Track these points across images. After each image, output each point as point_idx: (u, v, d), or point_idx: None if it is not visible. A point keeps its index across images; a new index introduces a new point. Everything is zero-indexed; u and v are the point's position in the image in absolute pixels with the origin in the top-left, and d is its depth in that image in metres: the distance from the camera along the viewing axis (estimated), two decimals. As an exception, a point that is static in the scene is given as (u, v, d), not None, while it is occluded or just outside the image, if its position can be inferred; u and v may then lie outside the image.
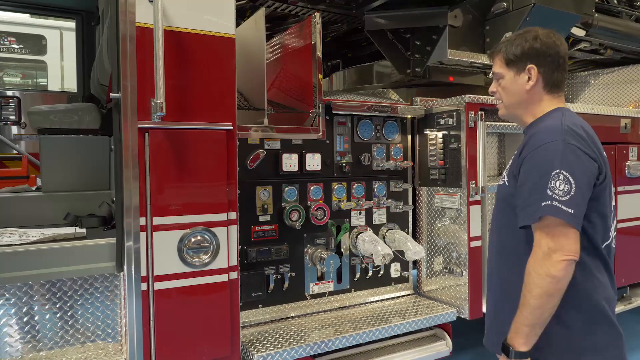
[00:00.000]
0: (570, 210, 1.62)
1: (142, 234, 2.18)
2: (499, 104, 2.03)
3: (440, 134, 3.22)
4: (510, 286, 1.81)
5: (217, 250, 2.32)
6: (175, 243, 2.24)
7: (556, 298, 1.64)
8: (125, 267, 2.20)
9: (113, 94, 2.20)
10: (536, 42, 1.92)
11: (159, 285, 2.21)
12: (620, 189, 3.78)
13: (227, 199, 2.35)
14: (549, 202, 1.62)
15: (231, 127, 2.35)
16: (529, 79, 1.91)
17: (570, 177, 1.64)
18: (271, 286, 2.88)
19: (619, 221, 3.78)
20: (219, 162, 2.32)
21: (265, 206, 2.87)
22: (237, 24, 4.20)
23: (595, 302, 1.76)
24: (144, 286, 2.19)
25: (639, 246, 3.91)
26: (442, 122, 3.20)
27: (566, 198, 1.63)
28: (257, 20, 3.06)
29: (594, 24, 4.10)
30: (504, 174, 1.94)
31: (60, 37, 6.37)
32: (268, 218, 2.88)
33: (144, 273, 2.19)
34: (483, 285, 3.10)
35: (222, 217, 2.33)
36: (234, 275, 2.40)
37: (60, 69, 6.47)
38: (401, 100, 3.49)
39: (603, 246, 1.79)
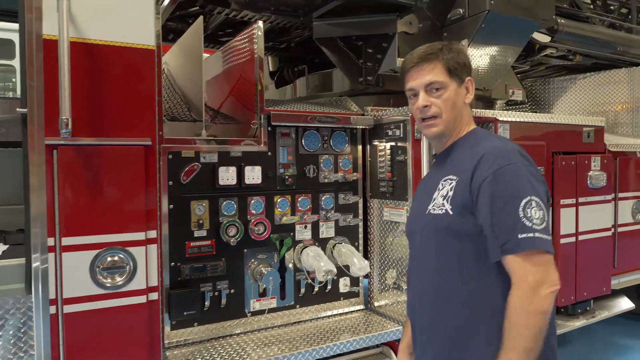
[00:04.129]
0: (548, 238, 1.52)
1: (51, 255, 2.09)
2: (434, 121, 1.75)
3: (388, 145, 3.13)
4: (467, 335, 1.60)
5: (134, 270, 2.23)
6: (87, 264, 2.15)
7: (544, 335, 1.49)
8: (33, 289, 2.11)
9: (20, 109, 2.11)
10: (465, 55, 1.82)
11: (69, 309, 2.12)
12: (581, 200, 3.67)
13: (146, 218, 2.26)
14: (531, 234, 1.48)
15: (150, 143, 2.26)
16: (468, 91, 1.81)
17: (540, 202, 1.53)
18: (207, 303, 2.78)
19: (580, 233, 3.69)
20: (136, 179, 2.23)
21: (201, 221, 2.77)
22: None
23: (552, 343, 1.65)
24: (52, 309, 2.10)
25: (601, 259, 3.80)
26: (390, 133, 3.10)
27: (543, 226, 1.51)
28: (196, 29, 2.96)
29: (559, 29, 4.00)
30: (441, 200, 1.68)
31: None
32: (204, 233, 2.79)
33: (52, 296, 2.10)
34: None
35: (139, 236, 2.24)
36: (154, 296, 2.30)
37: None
38: (357, 109, 3.39)
39: None
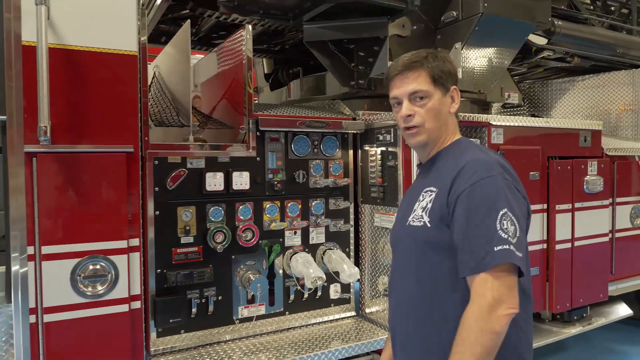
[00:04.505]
0: (520, 254, 1.45)
1: (30, 264, 2.07)
2: (417, 130, 1.70)
3: (379, 150, 3.09)
4: (445, 350, 1.51)
5: (115, 279, 2.21)
6: (67, 273, 2.13)
7: (493, 357, 1.43)
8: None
9: (-1, 116, 2.09)
10: (450, 64, 1.77)
11: (49, 318, 2.10)
12: (578, 205, 3.61)
13: (128, 226, 2.24)
14: (505, 247, 1.42)
15: (132, 150, 2.23)
16: (453, 101, 1.76)
17: (513, 217, 1.47)
18: (194, 310, 2.75)
19: (576, 239, 3.63)
20: (117, 187, 2.21)
21: (188, 227, 2.74)
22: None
23: (522, 358, 1.60)
24: (32, 318, 2.08)
25: (598, 265, 3.75)
26: (381, 137, 3.06)
27: (515, 240, 1.45)
28: (183, 33, 2.94)
29: (556, 31, 3.95)
30: (420, 212, 1.65)
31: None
32: (191, 240, 2.76)
33: (32, 305, 2.08)
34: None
35: (121, 244, 2.22)
36: (137, 304, 2.28)
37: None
38: (350, 113, 3.35)
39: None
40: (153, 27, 3.79)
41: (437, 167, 1.72)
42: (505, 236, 1.44)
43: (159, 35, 4.03)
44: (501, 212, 1.46)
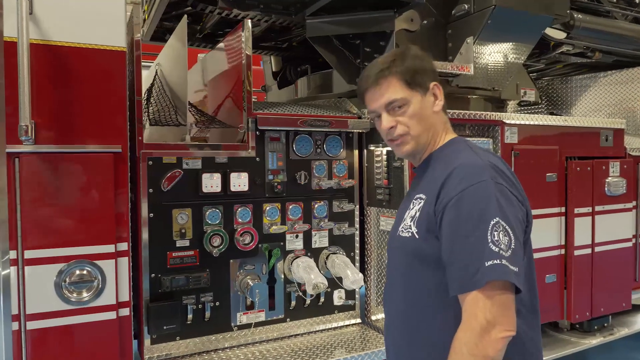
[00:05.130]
0: (515, 269, 1.29)
1: (13, 269, 1.99)
2: (403, 139, 1.57)
3: (384, 150, 2.94)
4: None
5: (102, 285, 2.12)
6: (52, 278, 2.05)
7: None
8: (-5, 304, 2.01)
9: (-19, 115, 2.01)
10: (423, 59, 1.63)
11: (32, 325, 2.02)
12: (598, 208, 3.41)
13: (116, 229, 2.14)
14: (497, 261, 1.27)
15: (120, 150, 2.13)
16: (436, 98, 1.62)
17: (507, 226, 1.32)
18: (190, 317, 2.65)
19: (597, 244, 3.43)
20: (104, 188, 2.11)
21: (183, 230, 2.64)
22: (193, 33, 4.04)
23: None
24: (15, 325, 2.00)
25: (620, 272, 3.53)
26: (386, 137, 2.91)
27: (509, 253, 1.29)
28: (180, 29, 2.84)
29: (575, 25, 3.74)
30: (409, 222, 1.52)
31: None
32: (187, 243, 2.66)
33: (15, 311, 2.00)
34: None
35: (109, 248, 2.13)
36: (125, 311, 2.19)
37: None
38: (357, 111, 3.21)
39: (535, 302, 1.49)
40: (156, 24, 3.72)
41: (427, 173, 1.59)
42: (497, 249, 1.28)
43: (163, 33, 3.95)
44: (492, 222, 1.31)
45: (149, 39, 4.06)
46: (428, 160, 1.62)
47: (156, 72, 3.58)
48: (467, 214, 1.34)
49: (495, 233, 1.29)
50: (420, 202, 1.51)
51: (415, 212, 1.51)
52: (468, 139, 1.66)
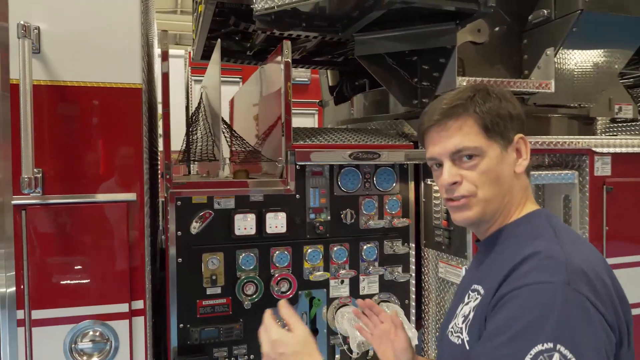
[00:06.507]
0: None
1: (20, 330, 1.83)
2: (466, 201, 1.20)
3: (444, 186, 2.52)
4: None
5: (115, 348, 1.91)
6: (60, 340, 1.87)
7: None
8: (3, 368, 1.87)
9: (-11, 164, 1.88)
10: (510, 102, 1.23)
11: (41, 392, 1.85)
12: None
13: (130, 286, 1.93)
14: None
15: (134, 198, 1.92)
16: (519, 156, 1.23)
17: (562, 357, 0.90)
18: (221, 372, 2.41)
19: None
20: (118, 241, 1.91)
21: (214, 277, 2.40)
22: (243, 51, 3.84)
23: None
24: (22, 392, 1.85)
25: None
26: (446, 170, 2.50)
27: None
28: (215, 53, 2.61)
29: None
30: (460, 324, 1.17)
31: None
32: (218, 291, 2.41)
33: (22, 376, 1.84)
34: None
35: (122, 307, 1.92)
36: (141, 377, 1.97)
37: None
38: (410, 137, 2.82)
39: None
40: (203, 43, 3.56)
41: (494, 252, 1.18)
42: None
43: (209, 52, 3.79)
44: (537, 347, 0.90)
45: (199, 58, 3.93)
46: (497, 236, 1.23)
47: (201, 95, 3.40)
48: (514, 317, 0.96)
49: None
50: (476, 299, 1.14)
51: (469, 311, 1.14)
52: (549, 214, 1.22)
